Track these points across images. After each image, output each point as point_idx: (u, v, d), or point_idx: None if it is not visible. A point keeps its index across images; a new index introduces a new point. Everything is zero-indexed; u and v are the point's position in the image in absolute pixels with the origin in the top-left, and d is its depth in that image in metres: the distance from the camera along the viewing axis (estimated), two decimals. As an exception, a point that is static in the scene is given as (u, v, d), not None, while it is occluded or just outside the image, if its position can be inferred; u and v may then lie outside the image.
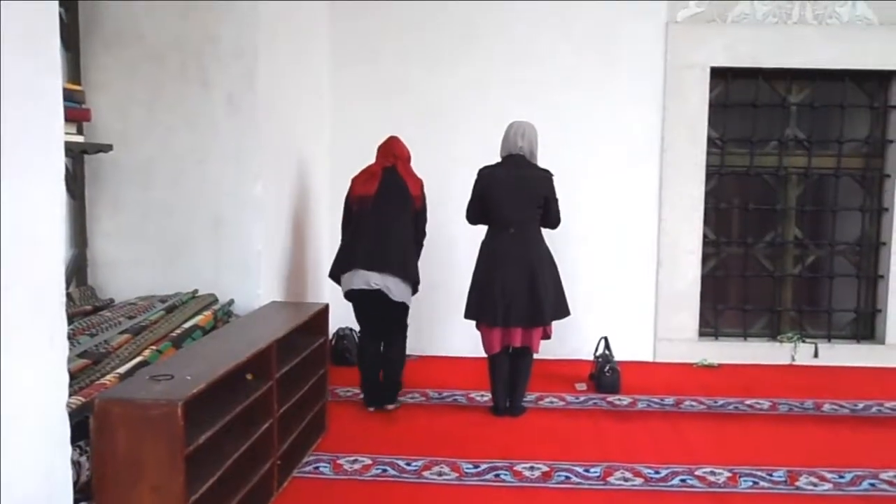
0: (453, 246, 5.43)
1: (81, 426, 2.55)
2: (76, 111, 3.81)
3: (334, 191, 5.86)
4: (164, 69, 4.22)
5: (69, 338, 3.08)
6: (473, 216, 4.58)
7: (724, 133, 5.93)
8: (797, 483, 3.68)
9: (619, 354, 5.31)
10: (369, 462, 3.85)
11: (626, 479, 3.70)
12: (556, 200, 4.50)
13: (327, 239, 5.86)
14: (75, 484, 2.47)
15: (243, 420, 3.09)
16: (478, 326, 4.58)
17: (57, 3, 2.32)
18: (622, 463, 3.88)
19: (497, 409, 4.61)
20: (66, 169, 3.96)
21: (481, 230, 4.62)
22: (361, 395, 4.73)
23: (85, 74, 4.17)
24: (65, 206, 3.55)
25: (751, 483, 3.68)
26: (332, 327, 5.11)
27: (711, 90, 5.77)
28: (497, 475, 3.73)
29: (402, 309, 4.55)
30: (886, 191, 5.88)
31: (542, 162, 4.57)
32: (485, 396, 4.79)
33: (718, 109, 5.87)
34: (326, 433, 4.19)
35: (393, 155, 4.74)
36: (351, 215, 4.70)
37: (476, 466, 3.82)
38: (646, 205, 5.82)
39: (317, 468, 3.78)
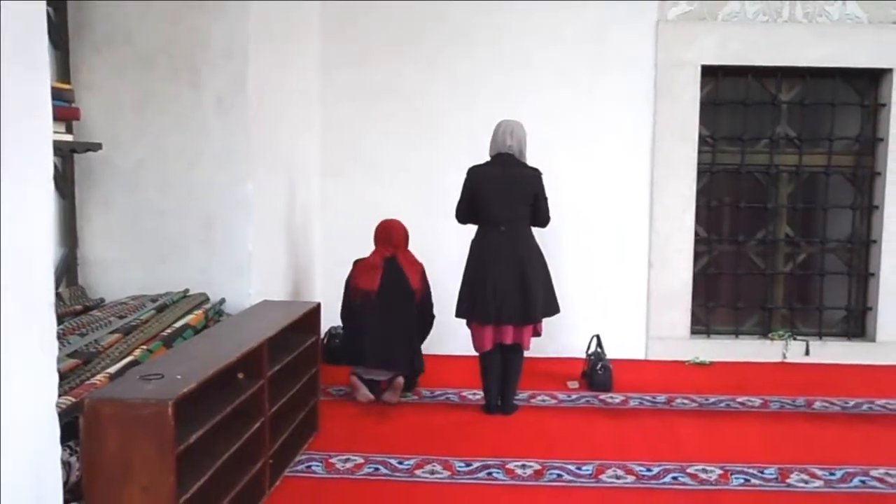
0: (444, 246, 5.42)
1: (72, 426, 2.54)
2: (65, 110, 3.80)
3: (325, 190, 5.89)
4: (154, 70, 4.21)
5: (59, 338, 3.09)
6: (463, 215, 4.58)
7: (715, 131, 5.94)
8: (788, 480, 3.69)
9: (612, 352, 5.32)
10: (361, 461, 3.85)
11: (617, 477, 3.71)
12: (545, 199, 4.50)
13: (318, 238, 5.86)
14: (65, 484, 2.46)
15: (235, 419, 3.08)
16: (469, 325, 4.59)
17: (45, 2, 2.31)
18: (614, 461, 3.88)
19: (489, 407, 4.61)
20: (56, 168, 3.96)
21: (471, 229, 4.62)
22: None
23: (75, 75, 4.16)
24: (54, 205, 3.54)
25: (742, 480, 3.69)
26: (324, 326, 5.10)
27: (702, 88, 5.79)
28: (489, 473, 3.73)
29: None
30: (877, 188, 5.90)
31: (533, 161, 4.57)
32: (477, 395, 4.79)
33: (709, 107, 5.88)
34: (318, 432, 4.19)
35: (392, 245, 4.93)
36: (354, 306, 4.92)
37: (468, 465, 3.82)
38: (637, 203, 5.83)
39: (309, 467, 3.78)
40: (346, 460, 3.86)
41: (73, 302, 3.90)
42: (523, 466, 3.81)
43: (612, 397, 4.92)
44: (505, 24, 5.76)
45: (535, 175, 4.49)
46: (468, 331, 4.62)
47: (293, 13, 5.15)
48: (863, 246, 6.01)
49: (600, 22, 5.74)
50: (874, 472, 3.78)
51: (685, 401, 4.87)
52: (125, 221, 4.28)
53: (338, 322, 5.59)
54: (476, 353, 4.62)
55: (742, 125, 5.94)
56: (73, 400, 2.61)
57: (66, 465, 2.49)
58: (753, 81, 5.91)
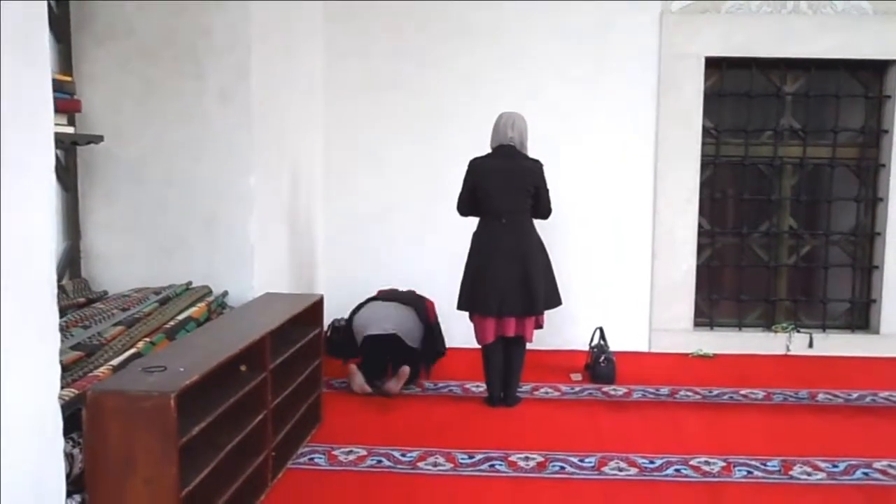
0: (446, 238, 5.42)
1: (75, 418, 2.54)
2: (66, 102, 3.79)
3: (328, 183, 5.88)
4: (156, 62, 4.20)
5: (62, 330, 3.09)
6: (464, 207, 4.57)
7: (719, 123, 5.92)
8: (791, 472, 3.69)
9: (615, 345, 5.32)
10: (364, 453, 3.86)
11: (620, 469, 3.71)
12: (546, 190, 4.49)
13: (321, 231, 5.86)
14: (68, 476, 2.47)
15: (237, 412, 3.09)
16: (471, 317, 4.58)
17: (46, -8, 2.31)
18: (617, 453, 3.88)
19: (492, 399, 4.61)
20: (59, 161, 3.96)
21: (474, 222, 4.61)
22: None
23: (77, 67, 4.15)
24: (56, 197, 3.54)
25: (745, 472, 3.69)
26: (327, 318, 5.10)
27: (706, 80, 5.76)
28: (492, 466, 3.73)
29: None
30: (881, 181, 5.88)
31: (536, 154, 4.56)
32: (480, 387, 4.79)
33: (713, 99, 5.86)
34: (321, 424, 4.19)
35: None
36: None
37: (471, 457, 3.82)
38: (641, 195, 5.82)
39: (312, 459, 3.78)
40: (349, 452, 3.86)
41: (77, 294, 3.90)
42: (526, 459, 3.81)
43: (615, 389, 4.91)
44: (508, 17, 5.74)
45: (537, 166, 4.48)
46: (470, 323, 4.62)
47: (295, 6, 5.13)
48: (867, 238, 5.99)
49: (604, 14, 5.71)
50: (877, 465, 3.77)
51: (688, 393, 4.87)
52: (128, 214, 4.27)
53: (340, 314, 5.60)
54: (478, 346, 4.62)
55: (746, 117, 5.92)
56: (76, 392, 2.61)
57: (68, 457, 2.49)
58: (757, 73, 5.89)
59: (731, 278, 6.09)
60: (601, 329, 5.34)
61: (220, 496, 2.88)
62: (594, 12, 5.72)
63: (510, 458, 3.81)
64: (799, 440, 4.10)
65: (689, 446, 3.98)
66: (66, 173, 4.08)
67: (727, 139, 5.96)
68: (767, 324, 6.04)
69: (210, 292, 4.13)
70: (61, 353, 2.58)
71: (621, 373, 5.09)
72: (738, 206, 6.04)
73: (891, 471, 3.71)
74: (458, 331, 5.12)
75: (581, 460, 3.80)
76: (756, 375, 5.23)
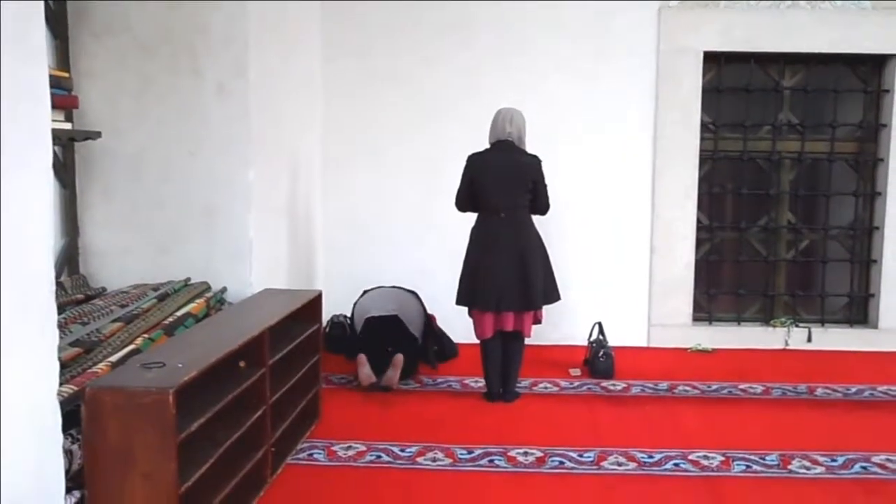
0: (445, 233, 5.43)
1: (74, 414, 2.54)
2: (64, 98, 3.79)
3: (326, 179, 5.88)
4: (153, 58, 4.19)
5: (61, 326, 3.09)
6: (462, 203, 4.57)
7: (718, 118, 5.92)
8: (790, 466, 3.70)
9: (613, 340, 5.32)
10: (363, 448, 3.86)
11: (619, 464, 3.71)
12: (544, 185, 4.49)
13: (320, 227, 5.86)
14: (67, 472, 2.46)
15: (236, 407, 3.09)
16: (469, 312, 4.58)
17: (42, -12, 2.30)
18: (616, 448, 3.88)
19: (491, 394, 4.61)
20: (57, 157, 3.95)
21: (472, 218, 4.61)
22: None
23: (74, 63, 4.14)
24: (53, 194, 3.53)
25: (744, 467, 3.69)
26: (326, 314, 5.11)
27: (704, 75, 5.76)
28: (491, 461, 3.74)
29: None
30: (880, 175, 5.88)
31: (534, 149, 4.56)
32: (479, 382, 4.79)
33: (712, 94, 5.85)
34: (320, 420, 4.19)
35: None
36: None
37: (470, 452, 3.82)
38: (639, 190, 5.82)
39: (311, 455, 3.78)
40: (348, 448, 3.87)
41: (75, 291, 3.90)
42: (525, 453, 3.82)
43: (613, 384, 4.92)
44: (506, 13, 5.73)
45: (535, 161, 4.48)
46: (469, 319, 4.62)
47: (293, 2, 5.12)
48: (865, 233, 5.99)
49: (602, 8, 5.71)
50: (875, 459, 3.78)
51: (687, 388, 4.87)
52: (126, 210, 4.27)
53: (339, 310, 5.62)
54: (477, 341, 4.62)
55: (744, 112, 5.91)
56: (75, 388, 2.61)
57: (67, 454, 2.49)
58: (756, 68, 5.89)
59: (730, 273, 6.09)
60: (600, 324, 5.35)
61: (219, 492, 2.88)
62: (593, 7, 5.71)
63: (509, 454, 3.81)
64: (797, 434, 4.10)
65: (687, 441, 3.98)
66: (64, 170, 4.08)
67: (726, 134, 5.95)
68: (766, 318, 6.04)
69: (209, 288, 4.13)
70: (60, 349, 2.58)
71: (620, 368, 5.09)
72: (737, 200, 6.04)
73: (889, 464, 3.72)
74: (457, 326, 5.13)
75: (580, 455, 3.80)
76: (755, 370, 5.24)
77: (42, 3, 2.31)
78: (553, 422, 4.28)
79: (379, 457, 3.77)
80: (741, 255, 6.04)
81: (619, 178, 5.82)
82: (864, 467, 3.69)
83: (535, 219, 4.56)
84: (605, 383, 4.93)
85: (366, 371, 4.73)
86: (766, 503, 3.37)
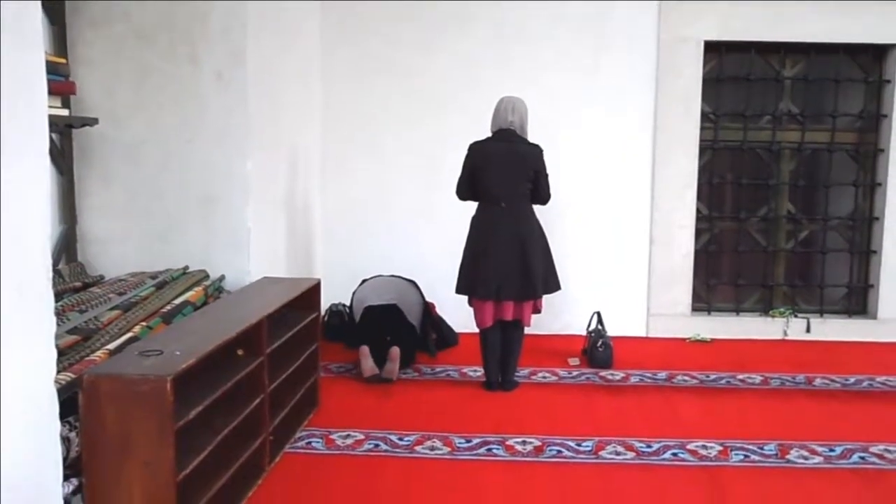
0: (444, 222, 5.42)
1: (71, 402, 2.53)
2: (60, 84, 3.77)
3: (325, 167, 5.86)
4: (151, 45, 4.17)
5: (58, 314, 3.08)
6: (463, 192, 4.55)
7: (718, 108, 5.90)
8: (788, 456, 3.70)
9: (612, 329, 5.32)
10: (362, 437, 3.86)
11: (617, 453, 3.71)
12: (546, 175, 4.48)
13: (319, 215, 5.85)
14: (65, 460, 2.46)
15: (234, 396, 3.09)
16: (470, 301, 4.58)
17: (38, -26, 2.28)
18: (614, 437, 3.89)
19: (489, 384, 4.61)
20: (55, 145, 3.94)
21: (472, 207, 4.60)
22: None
23: (72, 50, 4.12)
24: (51, 181, 3.52)
25: (742, 457, 3.69)
26: (325, 303, 5.11)
27: (705, 64, 5.74)
28: (489, 450, 3.74)
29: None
30: (880, 165, 5.87)
31: (534, 139, 4.54)
32: (477, 371, 4.79)
33: (712, 84, 5.83)
34: (319, 409, 4.19)
35: None
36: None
37: (468, 441, 3.82)
38: (639, 180, 5.80)
39: (309, 443, 3.78)
40: (347, 436, 3.87)
41: (73, 279, 3.89)
42: (523, 443, 3.82)
43: (612, 374, 4.92)
44: (506, 3, 5.70)
45: (537, 151, 4.47)
46: (469, 308, 4.61)
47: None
48: (865, 223, 5.98)
49: (602, -1, 5.69)
50: (873, 449, 3.78)
51: (686, 378, 4.87)
52: (124, 198, 4.26)
53: (337, 299, 5.61)
54: (476, 330, 4.62)
55: (745, 101, 5.90)
56: (73, 376, 2.60)
57: (65, 441, 2.48)
58: (756, 57, 5.86)
59: (729, 263, 6.09)
60: (599, 314, 5.34)
61: (217, 480, 2.87)
62: (592, -3, 5.68)
63: (507, 443, 3.81)
64: (796, 424, 4.11)
65: (686, 431, 3.98)
66: (62, 157, 4.06)
67: (726, 124, 5.94)
68: (765, 309, 6.04)
69: (207, 276, 4.12)
70: (58, 337, 2.57)
71: (619, 357, 5.09)
72: (737, 191, 6.03)
73: (887, 455, 3.73)
74: (456, 315, 5.13)
75: (578, 444, 3.80)
76: (753, 360, 5.24)
77: (38, -11, 2.29)
78: (551, 411, 4.29)
79: (377, 445, 3.77)
80: (741, 245, 6.03)
81: (619, 168, 5.80)
82: (862, 457, 3.70)
83: (536, 208, 4.55)
84: (603, 373, 4.93)
85: (369, 363, 4.72)
86: (764, 493, 3.37)
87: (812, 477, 3.52)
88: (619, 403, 4.42)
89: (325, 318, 5.57)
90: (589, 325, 5.35)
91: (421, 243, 5.78)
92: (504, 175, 4.41)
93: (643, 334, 5.87)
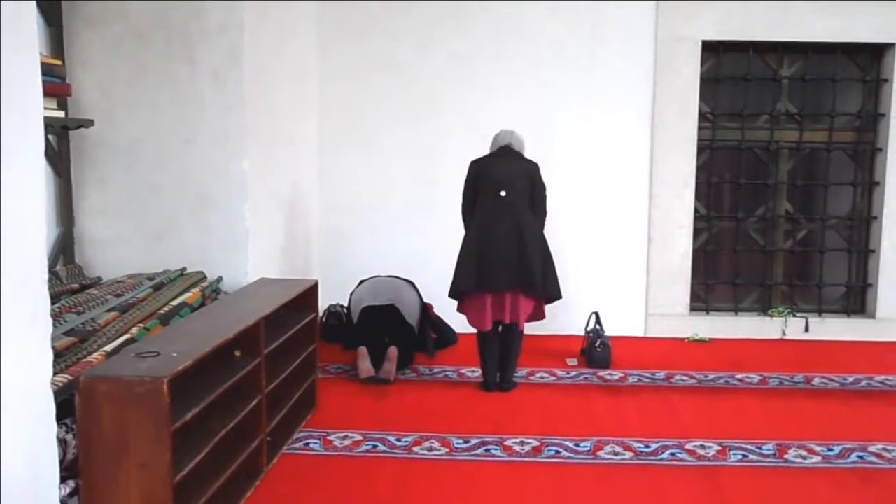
0: (441, 222, 5.41)
1: (68, 404, 2.53)
2: (56, 86, 3.76)
3: (323, 167, 5.85)
4: (148, 45, 4.17)
5: (56, 316, 3.08)
6: (467, 207, 4.57)
7: (716, 107, 5.90)
8: (786, 456, 3.70)
9: (611, 329, 5.31)
10: (360, 438, 3.85)
11: (615, 454, 3.71)
12: (543, 187, 4.53)
13: (316, 215, 5.84)
14: (61, 462, 2.46)
15: (232, 397, 3.08)
16: (462, 308, 4.56)
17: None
18: (612, 437, 3.88)
19: (487, 384, 4.61)
20: (52, 147, 3.93)
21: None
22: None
23: (68, 51, 4.12)
24: (49, 183, 3.51)
25: (740, 456, 3.69)
26: (322, 304, 5.11)
27: (703, 64, 5.74)
28: (487, 450, 3.73)
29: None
30: (878, 165, 5.87)
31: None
32: (475, 372, 4.78)
33: (710, 83, 5.83)
34: (316, 410, 4.19)
35: None
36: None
37: (466, 441, 3.82)
38: (637, 179, 5.80)
39: (307, 445, 3.78)
40: (345, 437, 3.86)
41: (70, 280, 3.89)
42: (521, 443, 3.81)
43: (610, 374, 4.92)
44: (503, 0, 5.70)
45: (533, 165, 4.54)
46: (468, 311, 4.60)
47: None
48: (863, 222, 5.98)
49: (600, -3, 5.68)
50: (872, 448, 3.78)
51: (684, 377, 4.87)
52: (121, 199, 4.25)
53: (335, 300, 5.61)
54: (475, 330, 4.61)
55: (743, 101, 5.90)
56: (70, 378, 2.60)
57: (62, 443, 2.48)
58: (754, 57, 5.86)
59: (728, 263, 6.09)
60: (597, 314, 5.33)
61: (214, 481, 2.87)
62: (590, -5, 5.68)
63: (505, 443, 3.81)
64: (794, 424, 4.11)
65: (684, 430, 3.98)
66: (59, 159, 4.05)
67: (724, 123, 5.94)
68: (763, 308, 6.04)
69: (204, 278, 4.12)
70: (55, 339, 2.57)
71: (617, 357, 5.09)
72: (735, 190, 6.03)
73: (885, 454, 3.72)
74: (454, 315, 5.11)
75: (576, 445, 3.80)
76: (752, 360, 5.23)
77: (33, -10, 2.29)
78: (549, 411, 4.28)
79: (375, 446, 3.77)
80: (739, 244, 6.03)
81: (617, 167, 5.80)
82: (860, 456, 3.70)
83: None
84: (601, 373, 4.93)
85: (366, 365, 4.72)
86: (762, 492, 3.37)
87: (810, 476, 3.51)
88: (617, 403, 4.41)
89: (323, 319, 5.56)
90: (587, 325, 5.34)
91: (418, 242, 5.77)
92: (503, 177, 4.43)
93: (641, 334, 5.86)
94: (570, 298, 5.48)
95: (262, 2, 4.44)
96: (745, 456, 3.70)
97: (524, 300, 4.47)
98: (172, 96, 4.20)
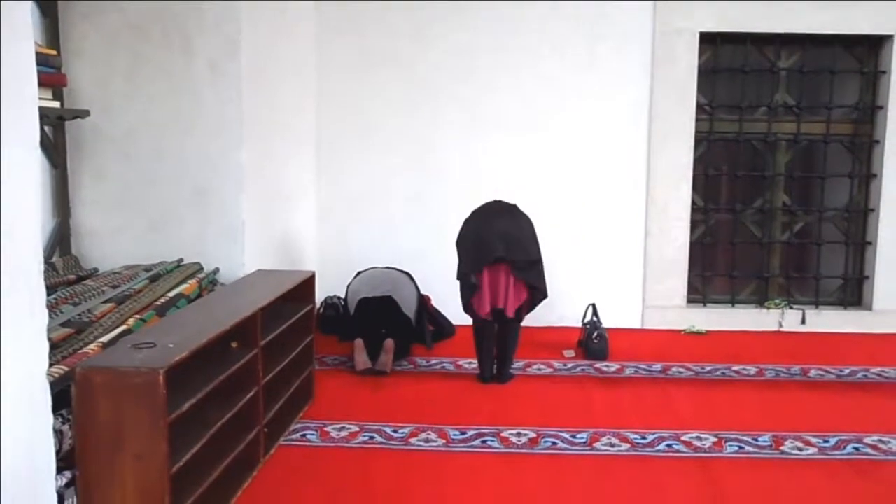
0: (439, 214, 5.41)
1: (64, 395, 2.53)
2: (52, 76, 3.75)
3: (320, 159, 5.84)
4: (144, 36, 4.16)
5: (52, 307, 3.08)
6: (467, 259, 4.54)
7: (713, 99, 5.89)
8: (782, 447, 3.70)
9: (608, 321, 5.31)
10: (356, 429, 3.86)
11: (612, 445, 3.72)
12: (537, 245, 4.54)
13: (313, 207, 5.84)
14: (58, 452, 2.46)
15: (229, 388, 3.08)
16: (468, 307, 4.56)
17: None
18: (609, 429, 3.89)
19: (483, 377, 4.61)
20: (47, 137, 3.92)
21: (468, 199, 4.59)
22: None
23: (64, 42, 4.11)
24: (43, 173, 3.50)
25: (736, 448, 3.70)
26: (319, 295, 5.10)
27: (700, 56, 5.72)
28: (484, 442, 3.74)
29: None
30: (875, 157, 5.87)
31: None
32: (472, 364, 4.79)
33: (707, 75, 5.83)
34: (313, 401, 4.19)
35: None
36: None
37: (463, 433, 3.82)
38: (634, 171, 5.79)
39: (304, 436, 3.78)
40: (341, 429, 3.86)
41: (67, 272, 3.88)
42: (518, 434, 3.82)
43: (607, 366, 4.92)
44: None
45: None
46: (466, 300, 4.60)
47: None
48: (860, 215, 5.98)
49: (598, -12, 5.66)
50: (868, 440, 3.79)
51: (681, 369, 4.88)
52: (118, 190, 4.25)
53: (332, 291, 5.60)
54: (470, 322, 4.62)
55: (740, 93, 5.89)
56: (66, 369, 2.60)
57: (58, 434, 2.48)
58: (752, 49, 5.85)
59: (725, 255, 6.09)
60: (594, 305, 5.33)
61: (211, 472, 2.87)
62: (588, -13, 5.66)
63: (502, 435, 3.82)
64: (790, 416, 4.11)
65: (680, 422, 3.99)
66: (55, 150, 4.05)
67: (721, 115, 5.93)
68: (760, 300, 6.04)
69: (201, 269, 4.11)
70: (51, 330, 2.56)
71: (614, 349, 5.09)
72: (732, 182, 6.03)
73: (881, 445, 3.73)
74: (453, 307, 5.11)
75: (573, 436, 3.80)
76: (748, 352, 5.24)
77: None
78: (546, 403, 4.29)
79: (372, 437, 3.77)
80: (736, 236, 6.03)
81: (614, 159, 5.79)
82: (856, 448, 3.71)
83: (530, 211, 4.58)
84: (598, 365, 4.94)
85: (363, 357, 4.72)
86: (758, 484, 3.37)
87: (806, 468, 3.52)
88: (614, 395, 4.42)
89: (320, 311, 5.56)
90: (584, 317, 5.34)
91: (416, 234, 5.77)
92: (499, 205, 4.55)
93: (638, 326, 5.87)
94: (567, 290, 5.51)
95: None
96: (741, 447, 3.71)
97: (516, 285, 4.46)
98: (169, 87, 4.19)
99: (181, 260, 4.14)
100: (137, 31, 4.15)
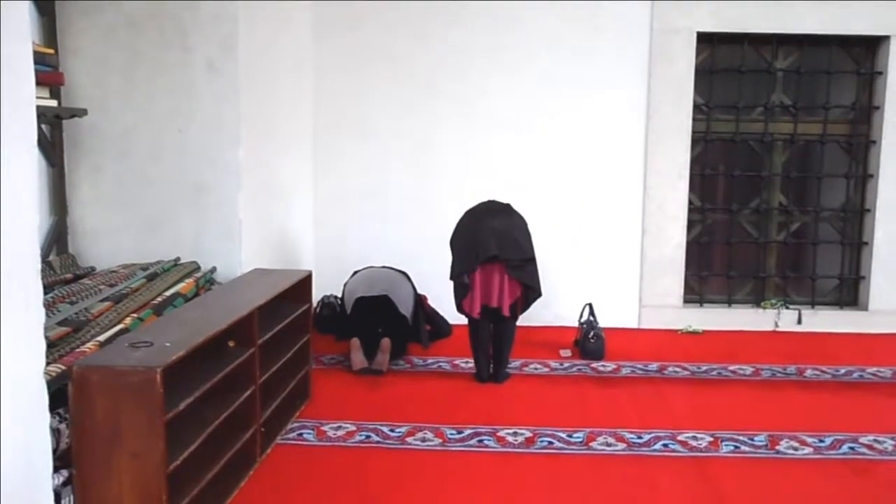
0: (436, 214, 5.41)
1: (61, 393, 2.53)
2: (49, 74, 3.74)
3: (317, 157, 5.84)
4: (142, 34, 4.15)
5: (49, 306, 3.08)
6: (460, 259, 4.53)
7: (710, 99, 5.90)
8: (778, 447, 3.71)
9: (604, 321, 5.32)
10: (353, 428, 3.86)
11: (608, 445, 3.72)
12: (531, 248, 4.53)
13: (311, 205, 5.83)
14: (55, 451, 2.46)
15: (225, 387, 3.08)
16: (461, 306, 4.56)
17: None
18: (605, 428, 3.90)
19: (480, 376, 4.62)
20: (45, 136, 3.92)
21: (465, 194, 4.60)
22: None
23: (61, 40, 4.09)
24: (40, 172, 3.50)
25: (732, 447, 3.71)
26: (317, 294, 5.10)
27: (697, 55, 5.73)
28: (480, 441, 3.74)
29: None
30: (872, 157, 5.88)
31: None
32: (469, 363, 4.79)
33: (704, 75, 5.83)
34: (310, 400, 4.19)
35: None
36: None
37: (459, 432, 3.83)
38: (631, 171, 5.80)
39: (301, 435, 3.78)
40: (338, 428, 3.87)
41: (64, 270, 3.88)
42: (514, 434, 3.82)
43: (604, 366, 4.93)
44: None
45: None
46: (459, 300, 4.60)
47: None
48: (856, 215, 5.99)
49: (595, -12, 5.67)
50: (863, 439, 3.80)
51: (677, 369, 4.88)
52: (115, 189, 4.24)
53: (329, 290, 5.60)
54: (467, 322, 4.62)
55: (737, 93, 5.90)
56: (63, 367, 2.60)
57: (55, 433, 2.48)
58: (749, 49, 5.86)
59: (721, 255, 6.10)
60: (591, 305, 5.34)
61: (207, 471, 2.88)
62: (586, -14, 5.67)
63: (499, 434, 3.82)
64: (786, 415, 4.12)
65: (677, 422, 4.00)
66: (52, 148, 4.04)
67: (718, 115, 5.94)
68: (756, 300, 6.05)
69: (198, 268, 4.11)
70: (48, 328, 2.56)
71: (610, 349, 5.10)
72: (729, 182, 6.04)
73: (877, 445, 3.74)
74: (450, 306, 5.11)
75: (569, 436, 3.81)
76: (744, 351, 5.25)
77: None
78: (543, 402, 4.29)
79: (368, 437, 3.77)
80: (732, 236, 6.04)
81: (611, 158, 5.80)
82: (851, 448, 3.72)
83: (525, 210, 4.58)
84: (595, 364, 4.94)
85: (359, 357, 4.72)
86: (754, 483, 3.38)
87: (802, 467, 3.53)
88: (610, 395, 4.43)
89: (317, 310, 5.56)
90: (580, 317, 5.35)
91: (412, 233, 5.77)
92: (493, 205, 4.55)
93: (635, 325, 5.88)
94: (563, 290, 5.51)
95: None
96: (736, 447, 3.71)
97: (510, 283, 4.46)
98: (166, 85, 4.18)
99: (178, 259, 4.13)
100: (134, 30, 4.14)
